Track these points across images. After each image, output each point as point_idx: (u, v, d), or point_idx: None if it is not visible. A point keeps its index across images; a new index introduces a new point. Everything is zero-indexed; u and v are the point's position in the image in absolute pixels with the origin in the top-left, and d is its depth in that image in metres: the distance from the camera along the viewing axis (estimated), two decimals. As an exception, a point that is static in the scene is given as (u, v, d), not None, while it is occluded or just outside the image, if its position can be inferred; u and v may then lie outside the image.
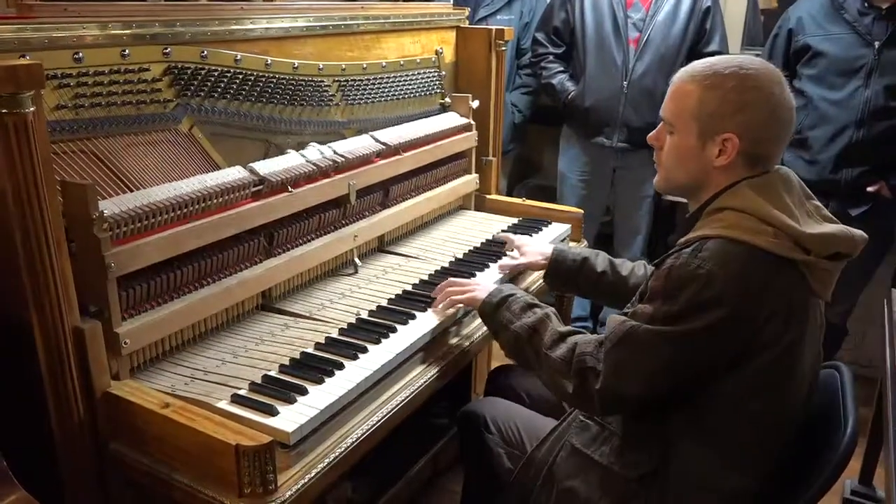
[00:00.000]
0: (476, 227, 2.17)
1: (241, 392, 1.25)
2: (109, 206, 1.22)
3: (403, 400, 1.37)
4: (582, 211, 2.24)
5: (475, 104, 2.26)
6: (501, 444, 1.55)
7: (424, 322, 1.54)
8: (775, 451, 1.27)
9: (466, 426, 1.64)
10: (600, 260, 1.73)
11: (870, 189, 2.41)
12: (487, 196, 2.38)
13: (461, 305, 1.58)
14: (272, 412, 1.19)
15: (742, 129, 1.22)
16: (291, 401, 1.23)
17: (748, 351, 1.18)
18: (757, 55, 3.02)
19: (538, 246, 1.88)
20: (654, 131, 1.37)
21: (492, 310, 1.48)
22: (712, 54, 2.79)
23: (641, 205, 2.93)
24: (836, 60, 2.43)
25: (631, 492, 1.30)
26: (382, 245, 1.98)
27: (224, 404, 1.23)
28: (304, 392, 1.25)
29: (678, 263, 1.20)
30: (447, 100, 2.27)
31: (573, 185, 2.99)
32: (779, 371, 1.21)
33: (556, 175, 3.20)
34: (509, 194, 3.52)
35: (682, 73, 1.30)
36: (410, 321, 1.54)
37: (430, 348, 1.52)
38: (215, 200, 1.41)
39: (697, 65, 1.29)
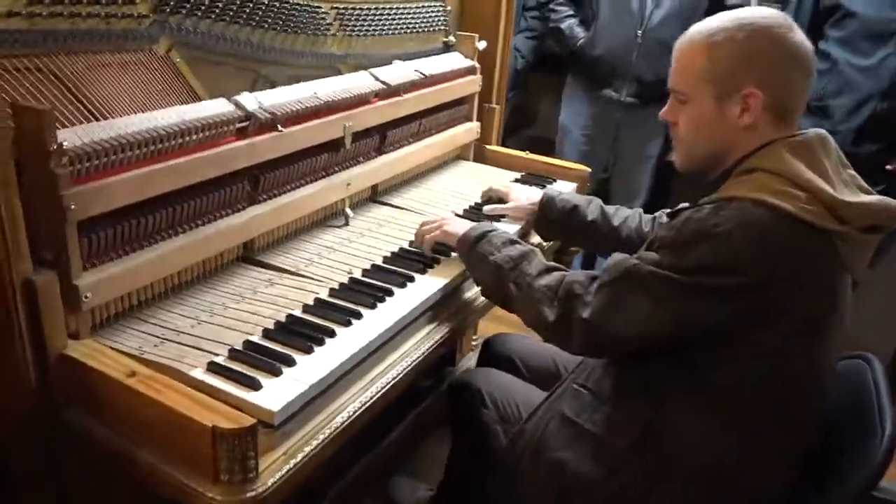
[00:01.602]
0: (475, 180, 2.00)
1: (220, 360, 1.10)
2: (70, 137, 1.04)
3: (401, 372, 1.23)
4: (589, 169, 2.09)
5: (482, 45, 2.07)
6: (498, 421, 1.43)
7: (424, 286, 1.39)
8: (789, 432, 1.18)
9: (459, 399, 1.52)
10: (592, 208, 1.62)
11: (889, 167, 2.30)
12: (487, 146, 2.21)
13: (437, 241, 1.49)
14: (255, 386, 1.05)
15: (762, 79, 1.12)
16: (277, 372, 1.08)
17: (761, 320, 1.08)
18: (782, 9, 2.86)
19: (525, 190, 1.77)
20: (664, 109, 1.27)
21: (471, 243, 1.38)
22: (736, 6, 2.63)
23: (644, 165, 2.78)
24: (868, 22, 2.27)
25: (623, 460, 1.21)
26: (375, 195, 1.81)
27: (199, 373, 1.07)
28: (291, 363, 1.11)
29: (696, 217, 1.09)
30: (451, 38, 2.07)
31: (575, 139, 2.83)
32: (795, 345, 1.11)
33: (552, 127, 3.03)
34: (503, 145, 3.35)
35: (683, 39, 1.20)
36: (409, 284, 1.39)
37: (429, 314, 1.38)
38: (194, 136, 1.22)
39: (700, 25, 1.18)
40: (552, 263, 1.30)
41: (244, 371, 1.08)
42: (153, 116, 1.18)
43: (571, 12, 2.71)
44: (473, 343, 2.51)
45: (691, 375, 1.15)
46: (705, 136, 1.19)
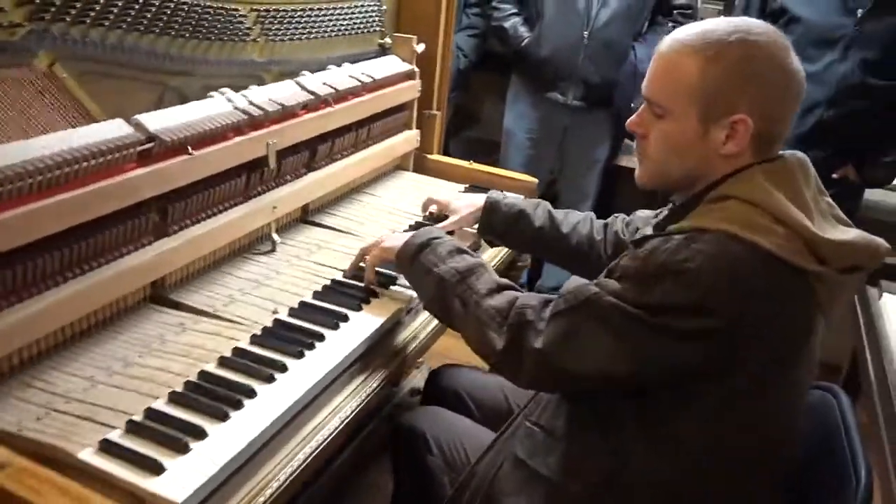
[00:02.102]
0: (416, 194, 1.86)
1: (115, 435, 0.94)
2: (-82, 177, 0.86)
3: (334, 430, 1.08)
4: (536, 180, 1.98)
5: (420, 48, 1.93)
6: (445, 469, 1.30)
7: (359, 326, 1.25)
8: (758, 475, 1.08)
9: (403, 443, 1.38)
10: (539, 212, 1.50)
11: (835, 175, 2.26)
12: (428, 156, 2.07)
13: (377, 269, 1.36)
14: (155, 469, 0.89)
15: (755, 107, 1.01)
16: (183, 449, 0.92)
17: (728, 362, 0.99)
18: (719, 12, 2.80)
19: (468, 198, 1.63)
20: (634, 116, 1.13)
21: (412, 253, 1.24)
22: (682, 7, 2.56)
23: (592, 169, 2.70)
24: (813, 28, 2.22)
25: None
26: (306, 215, 1.65)
27: (89, 455, 0.90)
28: (201, 435, 0.95)
29: (663, 248, 0.98)
30: (387, 40, 1.92)
31: (519, 143, 2.72)
32: (763, 386, 1.02)
33: (496, 128, 2.92)
34: (445, 147, 3.22)
35: (673, 42, 1.06)
36: (342, 324, 1.24)
37: (367, 358, 1.23)
38: (85, 165, 1.05)
39: (689, 31, 1.06)
40: (503, 280, 1.18)
41: (143, 450, 0.91)
42: (31, 144, 0.99)
43: (515, 10, 2.59)
44: (419, 362, 2.37)
45: (651, 417, 1.05)
46: (679, 158, 1.07)
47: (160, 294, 1.27)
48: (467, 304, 1.14)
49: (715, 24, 1.05)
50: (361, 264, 1.37)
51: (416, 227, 1.64)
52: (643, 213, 1.41)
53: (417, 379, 2.20)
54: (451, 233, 1.59)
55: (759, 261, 0.95)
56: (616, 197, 3.03)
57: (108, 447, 0.91)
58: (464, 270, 1.17)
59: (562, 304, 1.05)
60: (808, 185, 1.05)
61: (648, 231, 1.23)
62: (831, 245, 0.99)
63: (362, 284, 1.36)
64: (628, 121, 1.14)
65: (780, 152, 1.08)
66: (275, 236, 1.49)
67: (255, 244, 1.48)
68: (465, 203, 1.60)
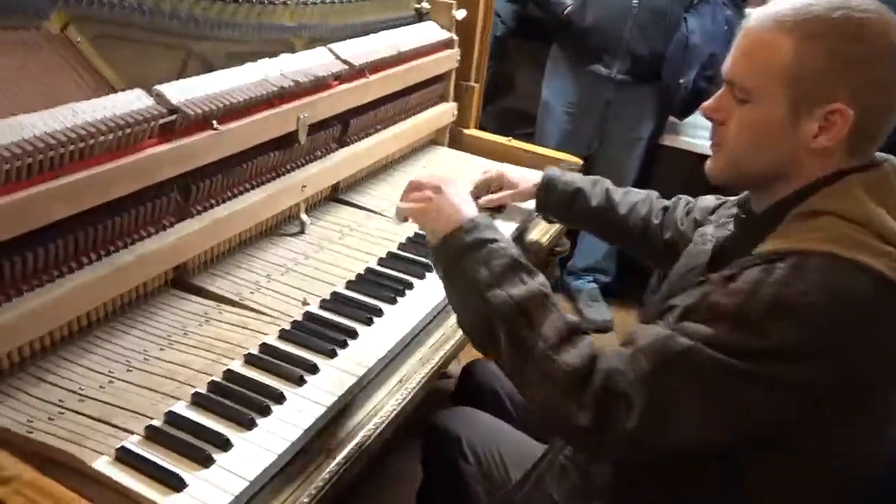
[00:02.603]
0: (452, 173, 1.75)
1: (132, 443, 0.85)
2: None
3: (366, 439, 0.99)
4: (580, 161, 1.84)
5: (460, 15, 1.80)
6: (480, 480, 1.20)
7: (394, 321, 1.15)
8: None
9: (435, 445, 1.29)
10: (597, 191, 1.40)
11: None
12: (465, 130, 1.95)
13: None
14: (176, 485, 0.80)
15: (858, 96, 0.85)
16: (206, 462, 0.84)
17: (840, 412, 0.84)
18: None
19: (524, 171, 1.56)
20: (712, 100, 0.97)
21: (458, 251, 0.98)
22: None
23: (634, 148, 2.55)
24: None
25: None
26: (336, 193, 1.55)
27: (104, 464, 0.82)
28: (225, 446, 0.86)
29: (769, 280, 0.82)
30: (425, 5, 1.79)
31: (557, 117, 2.57)
32: (861, 431, 0.87)
33: (531, 98, 2.77)
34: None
35: (763, 17, 0.90)
36: (376, 319, 1.14)
37: (402, 356, 1.14)
38: (100, 141, 0.95)
39: (783, 5, 0.89)
40: (571, 319, 0.94)
41: (162, 462, 0.83)
42: (41, 118, 0.89)
43: (558, -25, 2.42)
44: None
45: (729, 482, 0.90)
46: (762, 150, 0.92)
47: (182, 279, 1.18)
48: (527, 350, 0.90)
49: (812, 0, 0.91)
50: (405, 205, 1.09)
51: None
52: (705, 203, 1.28)
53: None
54: (501, 207, 1.52)
55: (880, 289, 0.81)
56: (654, 178, 2.89)
57: (125, 456, 0.83)
58: (523, 302, 0.92)
59: (646, 365, 0.85)
60: None
61: (709, 232, 1.10)
62: None
63: (399, 273, 1.26)
64: (704, 105, 1.00)
65: (876, 156, 0.92)
66: (304, 217, 1.39)
67: (282, 225, 1.38)
68: (522, 177, 1.52)
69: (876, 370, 0.83)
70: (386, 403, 1.05)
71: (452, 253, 0.99)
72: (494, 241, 0.98)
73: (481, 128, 2.94)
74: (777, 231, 0.89)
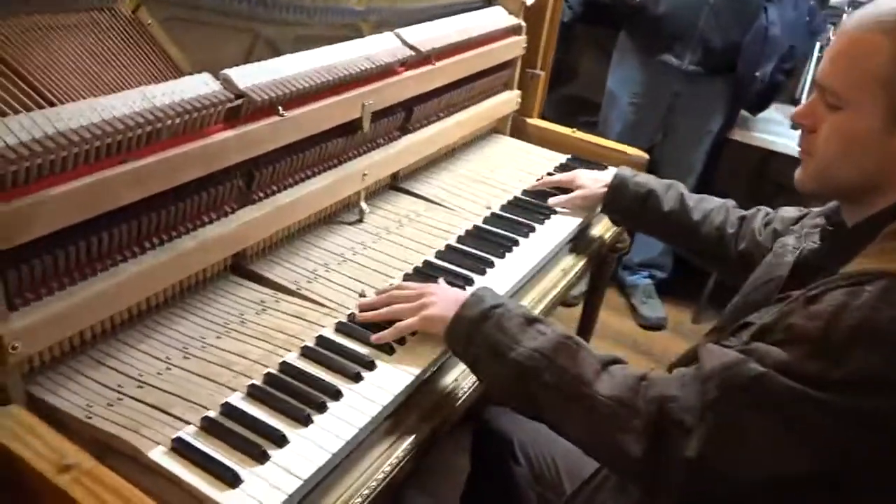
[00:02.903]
0: (514, 164, 1.71)
1: (188, 433, 0.85)
2: (-12, 136, 0.76)
3: (419, 441, 0.97)
4: (647, 156, 1.78)
5: (530, 0, 1.74)
6: (533, 483, 1.18)
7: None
8: None
9: (485, 446, 1.27)
10: (670, 195, 1.35)
11: None
12: (528, 120, 1.90)
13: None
14: (232, 480, 0.79)
15: None
16: (261, 458, 0.83)
17: None
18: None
19: (595, 172, 1.53)
20: (802, 106, 0.92)
21: (468, 331, 0.96)
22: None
23: (701, 141, 2.45)
24: None
25: None
26: (395, 181, 1.52)
27: (159, 454, 0.82)
28: (280, 442, 0.85)
29: (855, 304, 0.76)
30: (494, -11, 1.74)
31: (622, 108, 2.49)
32: None
33: (594, 86, 2.70)
34: (538, 104, 3.01)
35: (863, 17, 0.85)
36: (434, 316, 1.12)
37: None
38: (167, 125, 0.94)
39: (885, 6, 0.83)
40: (606, 354, 0.92)
41: (218, 455, 0.82)
42: (108, 103, 0.88)
43: (630, -40, 2.33)
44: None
45: None
46: (854, 158, 0.87)
47: (241, 265, 1.18)
48: (568, 396, 0.88)
49: None
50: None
51: (517, 202, 1.50)
52: (786, 214, 1.21)
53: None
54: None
55: None
56: (718, 173, 2.78)
57: (181, 447, 0.83)
58: (549, 351, 0.90)
59: (713, 391, 0.80)
60: None
61: (790, 243, 1.03)
62: None
63: (455, 269, 1.23)
64: (794, 111, 0.94)
65: None
66: (363, 205, 1.37)
67: (341, 212, 1.36)
68: (591, 178, 1.48)
69: None
70: (448, 398, 1.02)
71: (465, 332, 0.97)
72: (500, 305, 0.97)
73: (542, 115, 2.89)
74: (868, 249, 0.83)
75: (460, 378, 1.06)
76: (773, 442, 0.77)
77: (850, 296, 0.77)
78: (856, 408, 0.75)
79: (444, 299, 1.02)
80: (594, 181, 1.45)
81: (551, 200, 1.47)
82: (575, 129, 1.86)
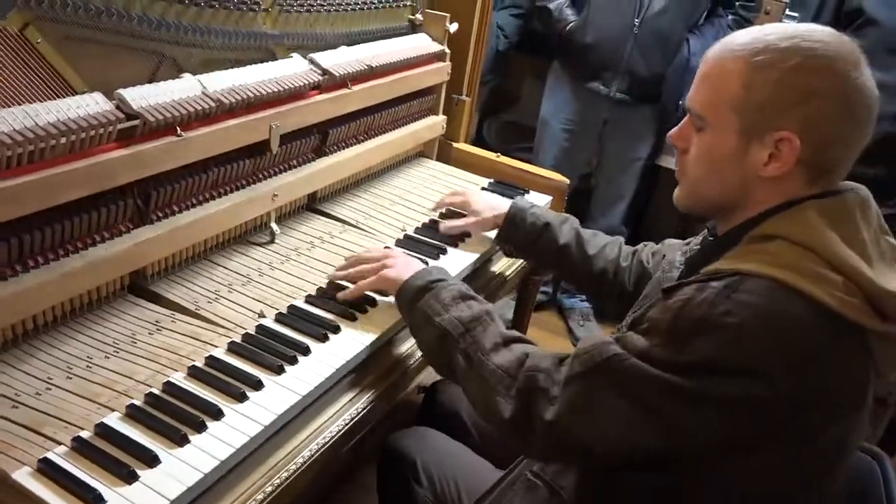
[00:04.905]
0: (436, 186, 1.73)
1: (56, 454, 0.84)
2: None
3: (305, 461, 0.97)
4: (567, 180, 1.81)
5: (453, 27, 1.78)
6: (433, 503, 1.19)
7: (352, 337, 1.13)
8: None
9: (389, 468, 1.27)
10: (565, 229, 1.36)
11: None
12: (454, 144, 1.93)
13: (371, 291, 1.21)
14: (93, 500, 0.78)
15: (804, 126, 0.87)
16: (129, 479, 0.82)
17: (771, 435, 0.84)
18: (786, 6, 2.58)
19: (492, 200, 1.50)
20: (675, 129, 1.00)
21: (413, 295, 1.11)
22: (746, 3, 2.35)
23: (631, 167, 2.52)
24: (891, 33, 2.00)
25: None
26: (314, 202, 1.53)
27: (24, 475, 0.81)
28: (151, 462, 0.84)
29: (699, 299, 0.83)
30: (419, 17, 1.77)
31: (555, 134, 2.55)
32: (802, 463, 0.88)
33: (532, 111, 2.76)
34: (478, 130, 3.07)
35: (720, 47, 0.93)
36: (332, 336, 1.12)
37: (354, 375, 1.12)
38: (51, 145, 0.94)
39: (741, 37, 0.92)
40: (511, 332, 1.04)
41: (84, 476, 0.81)
42: (-11, 119, 0.88)
43: (562, -10, 2.41)
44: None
45: (674, 493, 0.91)
46: (716, 176, 0.94)
47: (140, 285, 1.17)
48: (471, 361, 1.01)
49: (770, 29, 0.91)
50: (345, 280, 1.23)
51: (430, 226, 1.51)
52: (672, 242, 1.26)
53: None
54: (464, 235, 1.48)
55: (815, 316, 0.81)
56: (653, 199, 2.86)
57: (47, 468, 0.82)
58: (468, 321, 1.04)
59: (577, 367, 0.91)
60: (869, 224, 0.90)
61: (675, 262, 1.09)
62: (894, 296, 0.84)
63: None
64: (669, 133, 1.00)
65: (841, 185, 0.93)
66: (274, 226, 1.37)
67: (252, 233, 1.37)
68: (487, 205, 1.46)
69: (808, 400, 0.82)
70: (331, 424, 1.03)
71: (406, 301, 1.12)
72: (443, 280, 1.12)
73: (482, 141, 2.94)
74: (729, 253, 0.91)
75: (343, 409, 1.07)
76: (621, 417, 0.86)
77: (697, 290, 0.84)
78: (701, 391, 0.82)
79: (402, 265, 1.18)
80: (489, 208, 1.44)
81: (443, 226, 1.46)
82: (499, 155, 1.89)
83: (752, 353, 0.80)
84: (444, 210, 1.57)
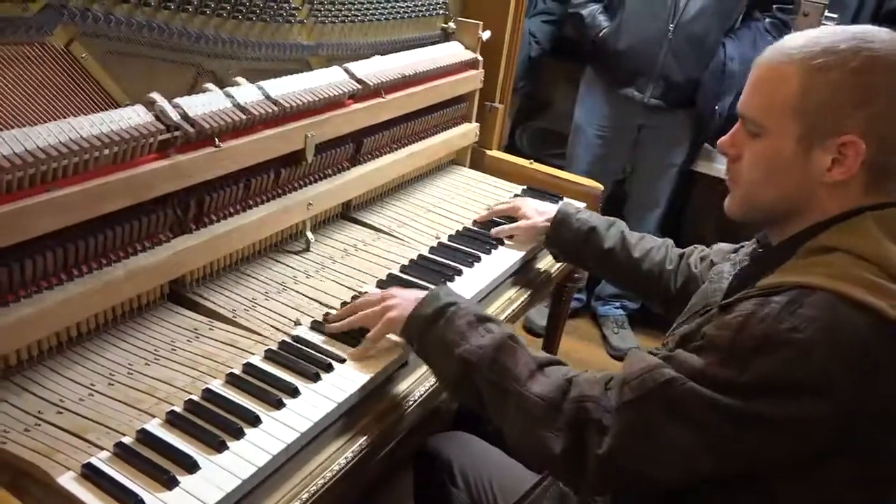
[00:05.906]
0: (469, 193, 1.73)
1: (99, 459, 0.85)
2: None
3: (341, 468, 0.97)
4: (601, 186, 1.80)
5: (486, 35, 1.78)
6: (469, 506, 1.18)
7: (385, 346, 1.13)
8: None
9: (425, 471, 1.27)
10: (612, 232, 1.36)
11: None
12: (487, 151, 1.93)
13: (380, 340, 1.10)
14: (134, 506, 0.80)
15: (870, 128, 0.84)
16: (169, 484, 0.83)
17: (832, 454, 0.81)
18: (824, 7, 2.53)
19: (539, 204, 1.52)
20: (727, 136, 0.97)
21: (422, 327, 1.03)
22: (783, 1, 2.31)
23: (666, 174, 2.49)
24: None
25: None
26: (348, 210, 1.54)
27: (69, 479, 0.83)
28: (191, 468, 0.85)
29: (761, 315, 0.80)
30: (451, 25, 1.78)
31: (589, 140, 2.53)
32: (866, 480, 0.84)
33: (564, 117, 2.74)
34: (510, 136, 3.06)
35: (773, 50, 0.90)
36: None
37: (393, 381, 1.12)
38: (94, 156, 0.96)
39: (795, 39, 0.89)
40: (543, 355, 0.99)
41: (126, 481, 0.83)
42: (34, 132, 0.91)
43: (595, -3, 2.39)
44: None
45: None
46: (773, 183, 0.91)
47: (180, 292, 1.19)
48: (505, 393, 0.93)
49: (827, 31, 0.88)
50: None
51: (467, 232, 1.52)
52: (722, 247, 1.23)
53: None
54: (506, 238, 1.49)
55: (879, 329, 0.78)
56: (688, 205, 2.82)
57: (90, 473, 0.83)
58: (492, 349, 0.96)
59: (628, 393, 0.85)
60: None
61: (724, 273, 1.06)
62: None
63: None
64: (720, 140, 0.98)
65: None
66: (309, 235, 1.39)
67: (287, 241, 1.38)
68: (535, 209, 1.49)
69: (870, 414, 0.79)
70: (368, 430, 1.03)
71: (419, 329, 1.04)
72: (454, 304, 1.03)
73: (515, 148, 2.93)
74: (785, 265, 0.88)
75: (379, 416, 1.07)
76: (680, 444, 0.82)
77: (758, 306, 0.81)
78: (758, 413, 0.79)
79: (404, 300, 1.08)
80: (538, 213, 1.46)
81: (494, 230, 1.50)
82: (532, 161, 1.89)
83: (819, 370, 0.77)
84: (476, 218, 1.57)
